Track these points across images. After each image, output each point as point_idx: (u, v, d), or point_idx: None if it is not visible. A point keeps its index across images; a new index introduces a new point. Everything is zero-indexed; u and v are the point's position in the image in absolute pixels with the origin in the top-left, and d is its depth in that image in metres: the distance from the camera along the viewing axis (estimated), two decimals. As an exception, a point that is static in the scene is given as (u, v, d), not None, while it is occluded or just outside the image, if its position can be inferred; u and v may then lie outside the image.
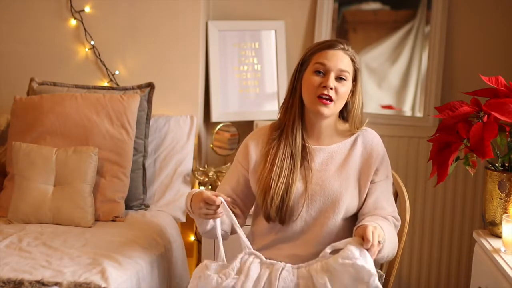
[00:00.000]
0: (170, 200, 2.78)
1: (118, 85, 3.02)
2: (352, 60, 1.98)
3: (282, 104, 2.06)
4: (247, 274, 1.81)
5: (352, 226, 1.97)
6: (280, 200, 1.93)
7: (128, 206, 2.68)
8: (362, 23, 3.19)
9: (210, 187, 2.90)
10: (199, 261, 3.01)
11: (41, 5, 3.03)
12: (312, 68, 1.96)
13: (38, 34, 3.05)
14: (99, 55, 3.03)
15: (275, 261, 1.86)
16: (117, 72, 3.04)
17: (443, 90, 3.11)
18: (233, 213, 1.94)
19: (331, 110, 1.96)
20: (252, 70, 3.15)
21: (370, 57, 3.14)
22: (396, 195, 2.21)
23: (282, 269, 1.82)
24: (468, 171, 2.12)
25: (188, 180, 2.85)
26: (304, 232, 1.97)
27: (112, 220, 2.55)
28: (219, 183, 2.66)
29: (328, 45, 1.97)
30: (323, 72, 1.94)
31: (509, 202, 2.07)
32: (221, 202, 1.86)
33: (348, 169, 1.98)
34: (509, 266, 1.86)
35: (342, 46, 1.97)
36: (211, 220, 1.92)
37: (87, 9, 3.01)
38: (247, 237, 1.94)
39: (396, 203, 2.23)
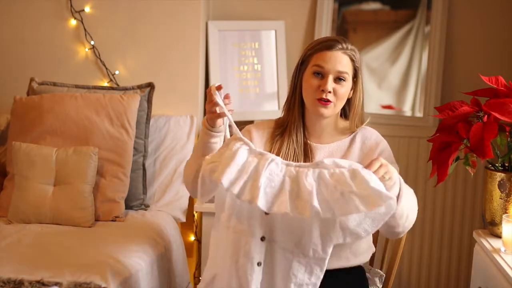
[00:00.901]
0: (170, 200, 2.78)
1: (118, 85, 3.02)
2: (352, 59, 1.97)
3: (285, 102, 2.06)
4: (233, 157, 1.69)
5: None
6: None
7: (128, 206, 2.68)
8: (362, 23, 3.19)
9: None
10: (199, 261, 3.01)
11: (41, 5, 3.03)
12: (310, 70, 1.96)
13: (38, 34, 3.05)
14: (99, 55, 3.03)
15: (264, 151, 1.73)
16: (117, 72, 3.04)
17: (443, 90, 3.11)
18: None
19: (331, 111, 1.96)
20: (252, 70, 3.15)
21: (370, 57, 3.14)
22: (396, 195, 2.21)
23: (272, 160, 1.70)
24: (468, 171, 2.12)
25: (188, 180, 2.84)
26: None
27: (112, 220, 2.55)
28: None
29: (327, 46, 1.96)
30: (321, 74, 1.95)
31: (509, 202, 2.07)
32: (211, 89, 1.81)
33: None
34: (509, 266, 1.86)
35: (340, 46, 1.95)
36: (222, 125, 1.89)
37: (87, 9, 3.01)
38: None
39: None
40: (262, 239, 1.72)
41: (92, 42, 3.02)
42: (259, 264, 1.71)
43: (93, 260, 2.06)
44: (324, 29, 3.12)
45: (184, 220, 2.79)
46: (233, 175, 1.66)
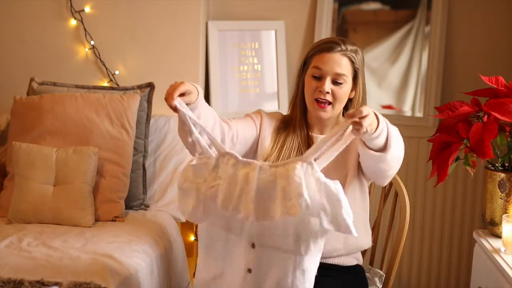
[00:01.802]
0: (170, 200, 2.78)
1: (118, 85, 3.02)
2: (351, 61, 1.98)
3: (291, 100, 2.10)
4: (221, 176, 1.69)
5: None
6: None
7: (128, 206, 2.68)
8: (362, 23, 3.19)
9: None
10: (199, 261, 3.01)
11: (41, 5, 3.03)
12: (310, 71, 1.99)
13: (38, 34, 3.05)
14: (99, 55, 3.03)
15: (250, 160, 1.71)
16: (117, 72, 3.04)
17: (443, 90, 3.11)
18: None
19: (329, 113, 1.98)
20: (252, 70, 3.15)
21: (370, 57, 3.14)
22: (396, 195, 2.21)
23: (260, 167, 1.67)
24: (468, 171, 2.13)
25: (188, 180, 2.84)
26: None
27: (112, 220, 2.55)
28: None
29: (326, 48, 1.97)
30: (320, 77, 1.96)
31: (509, 202, 2.07)
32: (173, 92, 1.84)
33: (344, 154, 1.96)
34: (509, 266, 1.86)
35: (339, 48, 1.96)
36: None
37: (87, 9, 3.01)
38: None
39: (396, 203, 2.23)
40: (253, 246, 1.72)
41: (92, 42, 3.02)
42: (249, 270, 1.72)
43: (93, 260, 2.06)
44: (324, 29, 3.12)
45: (184, 220, 2.79)
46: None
